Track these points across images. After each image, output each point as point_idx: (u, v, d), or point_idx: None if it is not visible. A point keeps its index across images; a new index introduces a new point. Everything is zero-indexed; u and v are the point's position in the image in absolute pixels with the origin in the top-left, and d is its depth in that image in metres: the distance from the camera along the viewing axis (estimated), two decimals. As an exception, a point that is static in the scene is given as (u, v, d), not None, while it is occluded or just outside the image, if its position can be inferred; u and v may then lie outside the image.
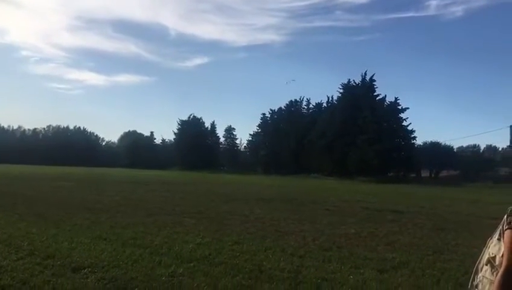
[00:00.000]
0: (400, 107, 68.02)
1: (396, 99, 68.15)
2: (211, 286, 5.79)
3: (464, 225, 13.40)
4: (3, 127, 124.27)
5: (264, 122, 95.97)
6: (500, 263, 2.19)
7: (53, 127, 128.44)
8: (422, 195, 29.46)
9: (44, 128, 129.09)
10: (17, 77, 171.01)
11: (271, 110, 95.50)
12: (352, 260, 7.69)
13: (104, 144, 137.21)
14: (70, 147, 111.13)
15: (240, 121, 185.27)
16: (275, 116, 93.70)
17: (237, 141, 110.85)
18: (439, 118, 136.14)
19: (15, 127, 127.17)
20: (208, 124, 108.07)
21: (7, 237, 8.77)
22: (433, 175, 76.94)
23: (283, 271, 6.74)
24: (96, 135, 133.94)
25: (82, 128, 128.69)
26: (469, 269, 7.33)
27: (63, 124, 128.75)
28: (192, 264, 6.95)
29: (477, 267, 2.41)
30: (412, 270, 7.10)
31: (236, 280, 6.15)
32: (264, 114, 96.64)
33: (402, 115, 68.05)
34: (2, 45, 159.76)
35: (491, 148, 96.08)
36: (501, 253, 2.22)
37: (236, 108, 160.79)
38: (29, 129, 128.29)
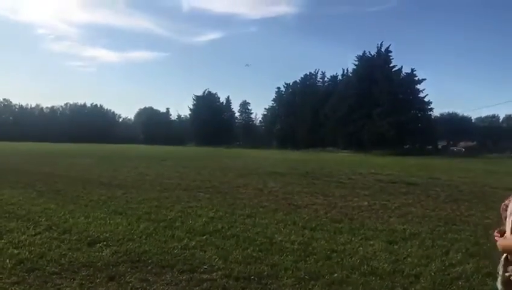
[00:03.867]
0: (416, 78, 67.07)
1: (412, 70, 67.26)
2: (221, 258, 5.90)
3: (479, 196, 13.33)
4: (21, 105, 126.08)
5: (279, 96, 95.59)
6: None
7: (70, 105, 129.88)
8: (438, 166, 29.25)
9: (62, 106, 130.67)
10: (34, 55, 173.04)
11: (286, 83, 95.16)
12: (363, 232, 7.75)
13: (120, 120, 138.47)
14: (87, 124, 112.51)
15: (254, 95, 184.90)
16: (290, 90, 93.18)
17: (252, 116, 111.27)
18: (458, 89, 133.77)
19: (33, 105, 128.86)
20: (223, 99, 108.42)
21: (26, 212, 9.02)
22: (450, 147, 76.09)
23: (293, 243, 6.83)
24: (113, 112, 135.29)
25: (99, 106, 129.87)
26: (480, 239, 7.35)
27: (80, 102, 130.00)
28: (204, 237, 7.08)
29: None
30: (422, 241, 7.13)
31: (247, 252, 6.26)
32: (278, 88, 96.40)
33: (419, 87, 67.24)
34: (19, 23, 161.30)
35: (510, 118, 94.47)
36: None
37: (250, 82, 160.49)
38: (47, 107, 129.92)
